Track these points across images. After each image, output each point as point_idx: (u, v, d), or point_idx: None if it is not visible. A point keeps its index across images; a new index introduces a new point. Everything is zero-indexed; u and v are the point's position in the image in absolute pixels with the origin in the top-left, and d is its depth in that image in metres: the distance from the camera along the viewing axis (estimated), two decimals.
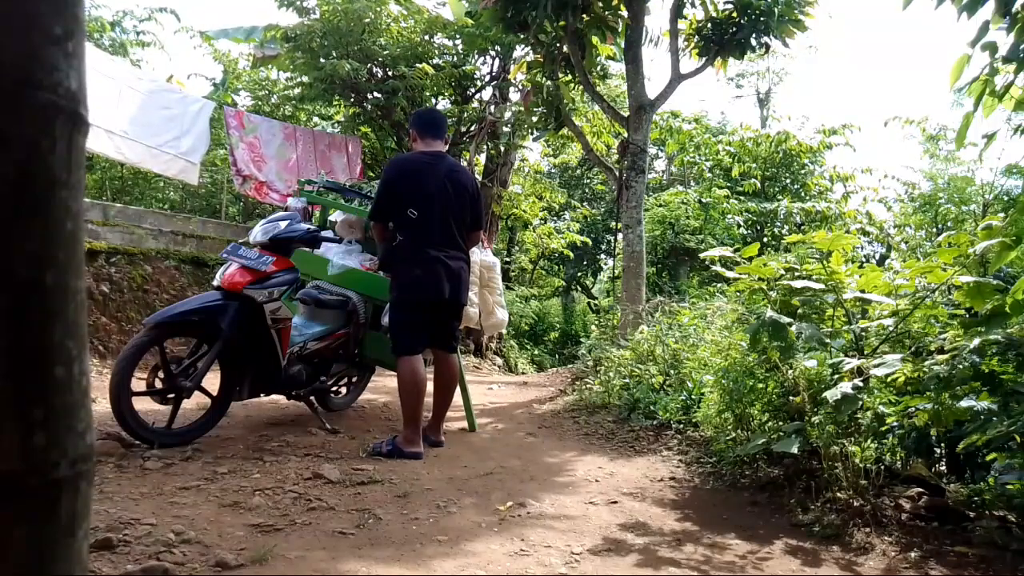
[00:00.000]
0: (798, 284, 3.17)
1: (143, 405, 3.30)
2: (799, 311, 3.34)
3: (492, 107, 10.60)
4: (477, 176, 11.97)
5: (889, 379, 2.76)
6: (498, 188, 11.23)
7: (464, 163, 11.82)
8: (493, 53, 10.47)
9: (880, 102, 54.74)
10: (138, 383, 3.23)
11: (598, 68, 9.29)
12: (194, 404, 3.56)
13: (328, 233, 4.39)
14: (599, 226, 16.94)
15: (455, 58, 10.36)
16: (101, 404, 3.61)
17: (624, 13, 7.34)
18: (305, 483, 2.86)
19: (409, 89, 9.43)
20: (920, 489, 2.82)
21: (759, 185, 12.66)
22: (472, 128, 10.71)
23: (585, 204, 17.77)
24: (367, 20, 9.07)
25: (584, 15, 7.27)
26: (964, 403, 2.43)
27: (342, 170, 9.88)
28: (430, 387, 3.83)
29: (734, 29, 7.16)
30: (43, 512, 0.68)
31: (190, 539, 2.12)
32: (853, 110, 54.31)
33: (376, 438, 3.84)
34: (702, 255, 4.47)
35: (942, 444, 3.18)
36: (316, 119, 13.23)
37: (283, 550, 2.14)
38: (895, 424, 2.74)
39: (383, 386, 5.88)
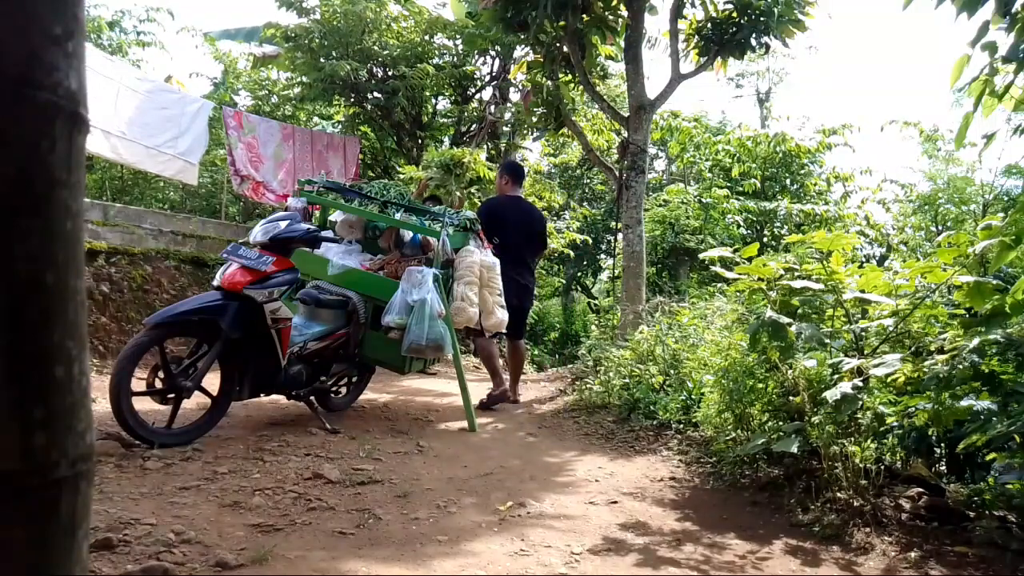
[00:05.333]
0: (798, 284, 3.17)
1: (143, 405, 3.30)
2: (799, 311, 3.34)
3: (492, 107, 10.61)
4: None
5: (889, 379, 2.76)
6: None
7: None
8: (493, 53, 10.48)
9: (880, 102, 54.76)
10: (138, 383, 3.23)
11: (598, 68, 9.28)
12: (194, 404, 3.56)
13: (328, 233, 4.39)
14: (599, 226, 16.91)
15: (455, 58, 10.36)
16: (101, 404, 3.61)
17: (624, 13, 7.34)
18: (305, 483, 2.86)
19: (409, 89, 9.44)
20: (920, 489, 2.82)
21: (759, 185, 12.65)
22: (472, 128, 10.71)
23: (585, 204, 17.75)
24: (367, 20, 9.08)
25: (584, 15, 7.27)
26: (964, 403, 2.43)
27: (338, 171, 9.89)
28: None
29: (734, 29, 7.15)
30: (43, 512, 0.68)
31: (190, 539, 2.12)
32: (853, 110, 54.33)
33: (376, 438, 3.85)
34: (702, 255, 4.47)
35: (942, 444, 3.18)
36: (316, 119, 13.23)
37: (283, 550, 2.14)
38: (895, 424, 2.74)
39: (383, 386, 5.88)
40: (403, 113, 9.79)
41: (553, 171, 17.46)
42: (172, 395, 3.29)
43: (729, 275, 3.52)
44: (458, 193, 7.81)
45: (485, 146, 11.01)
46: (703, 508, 2.95)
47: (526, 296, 5.41)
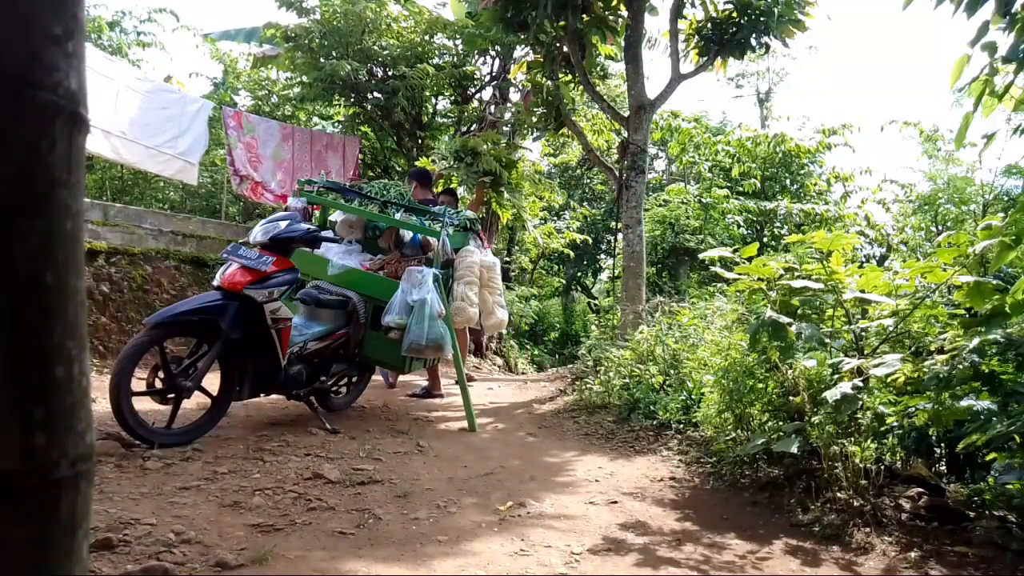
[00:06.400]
0: (798, 284, 3.17)
1: (143, 405, 3.30)
2: (799, 311, 3.34)
3: (492, 107, 10.60)
4: None
5: (889, 379, 2.76)
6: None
7: None
8: (493, 53, 10.47)
9: (880, 102, 54.76)
10: (138, 383, 3.23)
11: (598, 68, 9.27)
12: (194, 404, 3.56)
13: (328, 233, 4.39)
14: (599, 226, 16.91)
15: (455, 58, 10.35)
16: (101, 404, 3.61)
17: (624, 13, 7.34)
18: (305, 483, 2.86)
19: (409, 89, 9.43)
20: (920, 489, 2.82)
21: (759, 185, 12.65)
22: (472, 128, 10.71)
23: (585, 204, 17.76)
24: (367, 20, 9.08)
25: (584, 15, 7.27)
26: (964, 403, 2.43)
27: (337, 171, 9.88)
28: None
29: (734, 29, 7.15)
30: (43, 512, 0.68)
31: (190, 539, 2.12)
32: (853, 110, 54.37)
33: (377, 438, 3.85)
34: (702, 255, 4.47)
35: (942, 444, 3.18)
36: (316, 119, 13.22)
37: (283, 550, 2.14)
38: (895, 424, 2.74)
39: (383, 386, 5.87)
40: (403, 113, 9.78)
41: (553, 171, 17.46)
42: (172, 395, 3.29)
43: (729, 275, 3.52)
44: (471, 183, 7.77)
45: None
46: (703, 508, 2.95)
47: None
